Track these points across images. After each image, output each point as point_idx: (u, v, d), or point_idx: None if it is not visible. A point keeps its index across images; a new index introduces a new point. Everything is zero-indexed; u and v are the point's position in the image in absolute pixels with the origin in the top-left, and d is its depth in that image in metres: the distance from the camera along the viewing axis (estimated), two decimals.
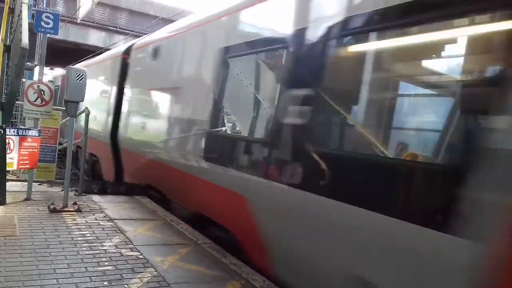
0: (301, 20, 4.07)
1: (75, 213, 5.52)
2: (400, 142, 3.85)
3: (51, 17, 7.50)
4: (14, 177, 7.33)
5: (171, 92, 6.69)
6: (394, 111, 4.00)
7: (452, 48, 3.44)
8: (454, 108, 3.59)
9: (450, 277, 2.54)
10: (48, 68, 28.34)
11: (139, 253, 4.25)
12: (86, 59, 16.48)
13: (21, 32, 5.88)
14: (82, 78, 5.69)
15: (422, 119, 4.10)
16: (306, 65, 3.87)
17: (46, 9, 8.36)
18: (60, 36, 14.13)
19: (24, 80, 7.52)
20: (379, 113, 3.99)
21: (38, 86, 6.05)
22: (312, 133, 3.72)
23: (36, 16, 7.45)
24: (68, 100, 5.75)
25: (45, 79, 15.47)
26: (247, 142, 4.90)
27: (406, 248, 2.78)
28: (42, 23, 7.45)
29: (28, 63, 10.21)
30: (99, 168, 10.44)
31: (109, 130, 8.99)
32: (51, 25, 7.52)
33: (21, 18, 6.40)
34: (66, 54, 24.01)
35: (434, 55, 3.69)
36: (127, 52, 8.75)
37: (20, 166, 5.84)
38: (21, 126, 8.39)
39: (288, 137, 3.93)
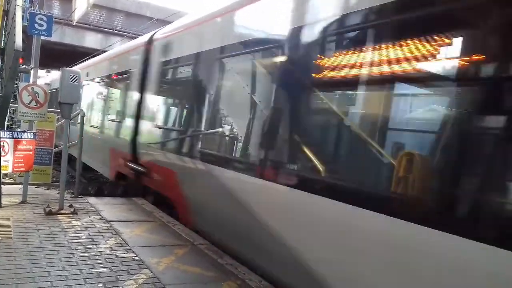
0: None
1: (71, 215, 5.49)
2: None
3: (45, 19, 7.46)
4: (11, 180, 7.30)
5: None
6: None
7: None
8: None
9: None
10: (45, 71, 28.28)
11: (135, 255, 4.22)
12: (83, 61, 16.45)
13: (15, 35, 5.85)
14: (76, 79, 5.68)
15: None
16: None
17: (40, 11, 8.34)
18: (56, 38, 14.13)
19: (18, 82, 7.51)
20: None
21: (32, 89, 6.02)
22: None
23: (30, 18, 7.43)
24: (62, 102, 5.73)
25: (41, 81, 15.40)
26: None
27: None
28: (36, 25, 7.42)
29: (24, 66, 10.16)
30: None
31: None
32: (44, 27, 7.47)
33: (15, 21, 6.37)
34: (62, 56, 23.96)
35: None
36: None
37: (15, 169, 5.83)
38: (17, 129, 8.35)
39: None
